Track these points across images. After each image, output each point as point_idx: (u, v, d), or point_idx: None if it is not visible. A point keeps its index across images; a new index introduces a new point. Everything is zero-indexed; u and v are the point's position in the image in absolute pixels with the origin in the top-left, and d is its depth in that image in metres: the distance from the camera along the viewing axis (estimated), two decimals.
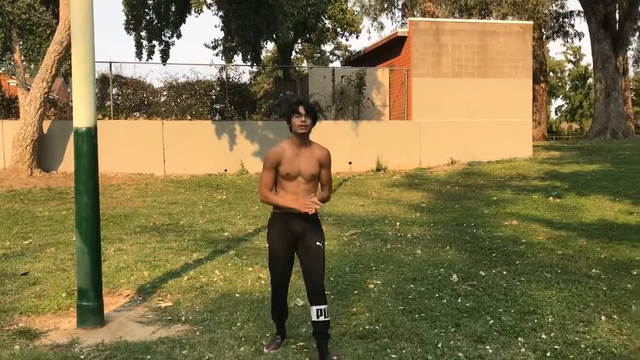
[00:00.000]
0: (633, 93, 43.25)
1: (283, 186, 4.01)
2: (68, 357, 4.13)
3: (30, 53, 19.02)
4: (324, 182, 4.16)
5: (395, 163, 16.86)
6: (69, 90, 32.16)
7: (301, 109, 3.94)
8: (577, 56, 67.70)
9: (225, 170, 15.91)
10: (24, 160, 13.94)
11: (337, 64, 44.05)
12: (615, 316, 4.87)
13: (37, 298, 5.47)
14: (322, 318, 3.91)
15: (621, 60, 29.22)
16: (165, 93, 17.51)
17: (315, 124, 4.03)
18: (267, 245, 4.10)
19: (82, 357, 4.13)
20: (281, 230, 4.00)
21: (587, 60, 73.56)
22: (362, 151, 16.50)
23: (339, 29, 30.00)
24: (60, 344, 4.42)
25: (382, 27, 48.09)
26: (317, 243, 3.99)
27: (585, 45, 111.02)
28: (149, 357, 4.09)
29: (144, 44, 18.02)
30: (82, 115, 4.82)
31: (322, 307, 3.93)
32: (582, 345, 4.26)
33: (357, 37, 36.36)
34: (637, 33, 40.42)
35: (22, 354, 4.17)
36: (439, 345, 4.28)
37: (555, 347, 4.24)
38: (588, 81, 64.73)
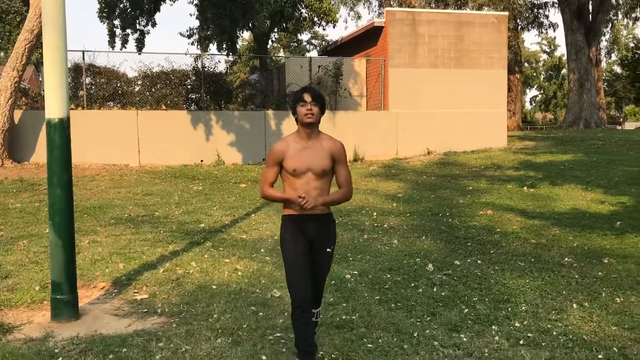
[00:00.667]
0: (605, 84, 43.96)
1: (291, 184, 3.63)
2: (42, 351, 4.08)
3: (0, 41, 18.62)
4: (341, 180, 3.71)
5: (372, 153, 16.92)
6: (40, 79, 31.55)
7: (306, 96, 3.57)
8: (552, 47, 68.52)
9: (202, 160, 15.80)
10: None
11: (314, 53, 43.96)
12: (587, 304, 4.97)
13: (10, 291, 5.39)
14: (314, 319, 3.80)
15: (594, 51, 29.65)
16: (139, 82, 17.27)
17: (324, 113, 3.64)
18: (282, 254, 3.68)
19: (56, 351, 4.08)
20: (293, 233, 3.64)
21: (562, 50, 74.44)
22: None
23: (315, 18, 29.93)
24: (34, 337, 4.37)
25: (359, 17, 48.00)
26: (328, 250, 3.73)
27: (560, 36, 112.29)
28: (124, 350, 4.06)
29: (117, 33, 17.76)
30: (54, 105, 4.73)
31: (317, 310, 3.88)
32: (554, 333, 4.34)
33: (334, 27, 36.33)
34: (610, 24, 41.08)
35: None
36: (415, 334, 4.32)
37: (529, 334, 4.31)
38: (562, 72, 65.60)
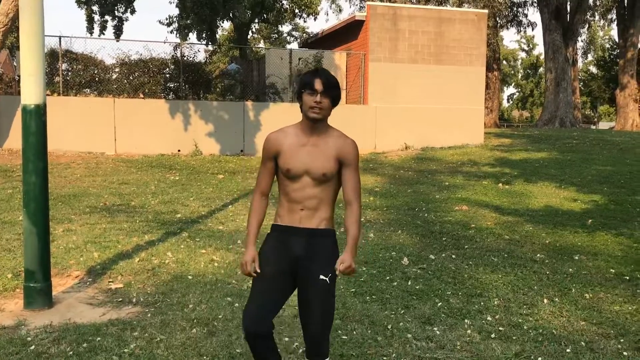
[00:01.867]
0: (581, 83, 44.61)
1: (285, 188, 2.89)
2: (15, 339, 4.04)
3: None
4: (350, 192, 2.87)
5: None
6: (15, 64, 30.94)
7: (317, 84, 2.77)
8: (530, 45, 69.26)
9: (179, 150, 15.69)
10: None
11: (294, 45, 43.80)
12: (557, 299, 5.08)
13: None
14: None
15: (571, 51, 30.07)
16: (117, 70, 17.05)
17: (337, 105, 2.88)
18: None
19: (29, 339, 4.05)
20: (275, 246, 2.92)
21: (539, 49, 75.27)
22: None
23: (297, 10, 29.81)
24: (6, 325, 4.33)
25: (340, 10, 48.13)
26: (322, 277, 2.81)
27: (538, 35, 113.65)
28: (99, 338, 4.05)
29: (95, 19, 17.51)
30: (30, 91, 4.67)
31: None
32: (525, 327, 4.43)
33: (315, 19, 36.28)
34: (587, 25, 41.67)
35: None
36: (389, 326, 4.38)
37: (500, 328, 4.40)
38: (539, 70, 66.38)
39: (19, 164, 11.55)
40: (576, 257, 6.43)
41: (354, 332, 4.26)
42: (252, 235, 2.93)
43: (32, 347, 3.91)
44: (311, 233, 2.87)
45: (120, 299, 4.94)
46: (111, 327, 4.29)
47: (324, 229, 2.90)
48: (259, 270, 2.85)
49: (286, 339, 4.11)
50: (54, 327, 4.28)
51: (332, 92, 2.81)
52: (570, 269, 5.98)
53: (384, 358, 3.86)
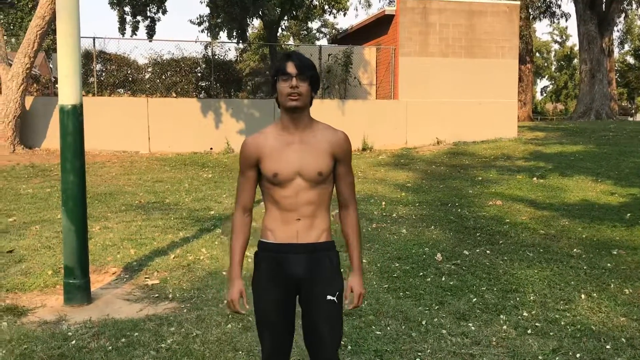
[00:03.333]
0: (617, 74, 43.57)
1: (273, 197, 2.50)
2: (56, 333, 4.15)
3: (12, 27, 18.69)
4: (345, 191, 2.57)
5: (382, 143, 16.89)
6: (51, 65, 31.64)
7: (289, 67, 2.41)
8: (564, 37, 67.88)
9: (211, 148, 15.85)
10: (6, 137, 13.78)
11: (324, 41, 43.79)
12: (595, 294, 4.99)
13: (24, 275, 5.47)
14: None
15: (607, 42, 29.36)
16: (149, 70, 17.33)
17: (317, 91, 2.53)
18: (253, 296, 2.62)
19: (69, 334, 4.15)
20: (271, 273, 2.54)
21: (573, 40, 73.71)
22: (348, 130, 16.07)
23: (326, 6, 29.74)
24: (47, 320, 4.44)
25: (369, 5, 47.90)
26: (329, 297, 2.50)
27: (572, 25, 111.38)
28: (136, 334, 4.13)
29: (128, 20, 17.80)
30: (67, 92, 4.78)
31: None
32: (562, 323, 4.36)
33: (344, 15, 36.01)
34: (623, 14, 40.62)
35: (10, 330, 4.18)
36: (423, 322, 4.36)
37: (536, 324, 4.34)
38: (573, 62, 65.04)
39: (56, 163, 11.83)
40: (614, 252, 6.29)
41: (388, 328, 4.25)
42: (237, 265, 2.58)
43: (73, 341, 4.00)
44: (312, 249, 2.49)
45: (157, 295, 5.03)
46: (148, 322, 4.36)
47: (325, 241, 2.53)
48: (247, 307, 2.55)
49: None
50: (93, 323, 4.38)
51: (308, 73, 2.42)
52: (609, 264, 5.86)
53: (419, 354, 3.84)
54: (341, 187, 2.57)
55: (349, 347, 3.93)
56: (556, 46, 69.84)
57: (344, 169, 2.54)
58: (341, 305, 2.54)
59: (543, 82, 73.98)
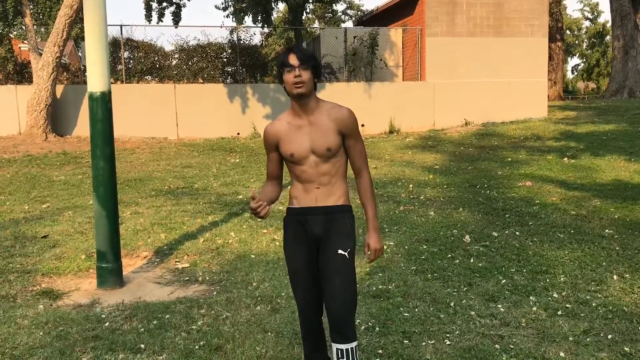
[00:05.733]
0: None
1: (294, 172, 2.86)
2: (90, 316, 4.26)
3: (41, 17, 18.97)
4: (357, 161, 2.87)
5: (409, 125, 16.77)
6: (80, 54, 32.07)
7: (292, 59, 2.72)
8: (595, 13, 66.13)
9: (238, 133, 15.94)
10: (38, 125, 14.06)
11: (349, 24, 43.47)
12: (627, 275, 4.90)
13: (58, 260, 5.61)
14: None
15: None
16: (176, 56, 17.44)
17: (320, 77, 2.83)
18: (285, 256, 2.98)
19: (103, 316, 4.25)
20: (295, 234, 2.87)
21: (605, 17, 71.88)
22: (375, 113, 16.40)
23: None
24: (82, 303, 4.56)
25: None
26: (340, 251, 2.77)
27: (603, 1, 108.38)
28: (168, 316, 4.21)
29: (153, 7, 17.89)
30: (96, 80, 4.85)
31: (344, 346, 2.74)
32: (594, 304, 4.31)
33: None
34: None
35: (46, 313, 4.30)
36: (451, 304, 4.35)
37: (567, 305, 4.29)
38: (605, 39, 63.40)
39: (87, 150, 12.05)
40: None
41: (416, 310, 4.25)
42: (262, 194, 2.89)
43: (107, 324, 4.10)
44: (329, 211, 2.81)
45: (187, 278, 5.11)
46: (179, 305, 4.44)
47: (342, 204, 2.84)
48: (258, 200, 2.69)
49: None
50: (125, 305, 4.48)
51: (310, 62, 2.73)
52: None
53: (447, 335, 3.84)
54: (352, 157, 2.88)
55: (377, 328, 3.95)
56: (587, 23, 68.11)
57: (352, 141, 2.84)
58: (353, 263, 2.80)
59: (574, 61, 72.55)
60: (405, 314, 4.17)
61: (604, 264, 5.23)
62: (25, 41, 17.96)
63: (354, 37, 17.89)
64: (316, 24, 43.92)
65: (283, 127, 2.83)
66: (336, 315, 2.74)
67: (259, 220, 2.50)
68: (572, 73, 72.04)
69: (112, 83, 15.91)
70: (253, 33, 23.13)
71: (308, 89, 2.73)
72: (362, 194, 2.90)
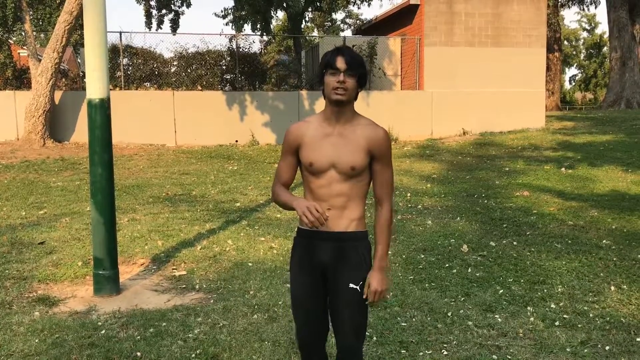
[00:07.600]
0: None
1: (309, 185, 2.56)
2: (86, 323, 4.23)
3: (41, 23, 18.99)
4: (381, 189, 2.55)
5: (407, 134, 16.80)
6: (78, 60, 32.09)
7: (339, 62, 2.43)
8: (592, 24, 66.48)
9: (236, 140, 15.94)
10: (36, 131, 14.04)
11: (348, 33, 43.61)
12: (625, 286, 4.90)
13: (54, 266, 5.59)
14: None
15: (638, 28, 28.67)
16: (175, 63, 17.47)
17: (363, 87, 2.55)
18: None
19: (99, 323, 4.23)
20: (301, 261, 2.61)
21: (602, 28, 72.24)
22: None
23: None
24: (78, 310, 4.54)
25: None
26: (351, 285, 2.52)
27: (601, 13, 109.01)
28: (164, 324, 4.19)
29: (153, 14, 17.94)
30: (95, 86, 4.85)
31: None
32: (591, 315, 4.30)
33: (368, 5, 35.90)
34: None
35: (42, 320, 4.28)
36: (449, 314, 4.34)
37: (564, 316, 4.29)
38: (603, 50, 63.69)
39: (85, 156, 12.03)
40: None
41: (413, 319, 4.24)
42: (289, 195, 2.56)
43: (103, 331, 4.08)
44: (338, 237, 2.52)
45: (184, 286, 5.09)
46: (176, 312, 4.43)
47: (354, 231, 2.54)
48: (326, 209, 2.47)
49: None
50: (122, 313, 4.46)
51: (357, 70, 2.44)
52: (639, 255, 5.75)
53: (445, 345, 3.83)
54: (376, 184, 2.56)
55: (374, 338, 3.94)
56: (585, 34, 68.46)
57: (381, 166, 2.53)
58: (363, 294, 2.55)
59: (572, 71, 72.84)
60: (403, 324, 4.16)
61: (602, 274, 5.23)
62: (25, 47, 17.95)
63: (353, 46, 17.89)
64: (315, 33, 44.06)
65: (309, 131, 2.54)
66: (343, 347, 2.59)
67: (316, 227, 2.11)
68: (570, 83, 72.33)
69: (111, 89, 15.92)
70: (252, 41, 23.24)
71: (349, 97, 2.47)
72: (377, 227, 2.57)
